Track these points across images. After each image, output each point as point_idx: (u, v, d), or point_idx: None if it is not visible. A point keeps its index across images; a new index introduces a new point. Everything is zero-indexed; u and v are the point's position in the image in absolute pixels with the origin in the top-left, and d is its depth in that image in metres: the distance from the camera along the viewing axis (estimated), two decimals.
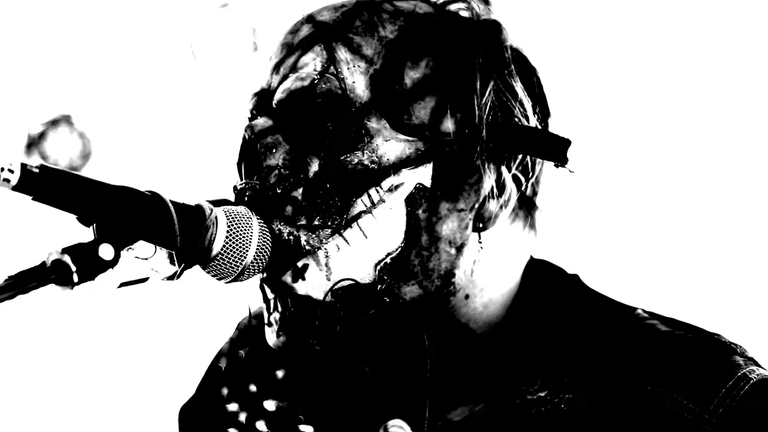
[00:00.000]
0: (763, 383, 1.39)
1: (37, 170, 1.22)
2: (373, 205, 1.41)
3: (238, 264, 1.38)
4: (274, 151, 1.44)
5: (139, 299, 3.78)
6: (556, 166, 1.47)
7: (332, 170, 1.41)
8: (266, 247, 1.40)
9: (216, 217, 1.37)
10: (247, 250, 1.38)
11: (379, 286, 1.42)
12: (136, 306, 3.87)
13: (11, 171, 1.19)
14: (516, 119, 1.45)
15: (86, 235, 1.27)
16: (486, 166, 1.43)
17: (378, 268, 1.41)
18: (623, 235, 3.36)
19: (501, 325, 1.50)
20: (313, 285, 1.42)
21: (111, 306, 3.87)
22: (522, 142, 1.45)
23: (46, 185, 1.23)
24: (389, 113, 1.42)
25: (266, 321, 1.46)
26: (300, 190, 1.41)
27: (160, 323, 3.95)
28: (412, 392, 1.50)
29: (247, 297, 1.51)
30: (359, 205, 1.41)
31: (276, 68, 1.48)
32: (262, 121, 1.46)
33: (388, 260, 1.41)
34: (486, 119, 1.43)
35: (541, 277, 1.53)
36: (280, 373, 1.58)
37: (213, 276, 1.39)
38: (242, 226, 1.38)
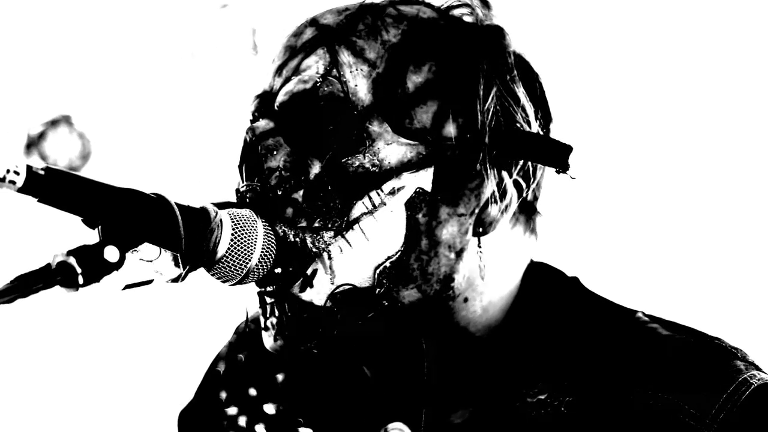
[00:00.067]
0: (764, 388, 1.39)
1: (42, 172, 1.21)
2: (374, 207, 1.41)
3: (242, 266, 1.38)
4: (275, 153, 1.44)
5: (139, 302, 3.77)
6: (558, 172, 1.47)
7: (333, 173, 1.41)
8: (271, 250, 1.40)
9: (221, 220, 1.37)
10: (251, 253, 1.38)
11: (378, 289, 1.42)
12: (136, 309, 3.87)
13: (17, 173, 1.19)
14: (518, 125, 1.45)
15: (91, 237, 1.27)
16: (487, 171, 1.43)
17: (377, 271, 1.42)
18: (624, 238, 3.36)
19: (500, 328, 1.50)
20: (318, 290, 1.42)
21: (111, 309, 3.87)
22: (524, 148, 1.45)
23: (52, 187, 1.22)
24: (391, 117, 1.43)
25: (263, 325, 1.46)
26: (300, 192, 1.42)
27: (160, 327, 3.95)
28: (410, 395, 1.50)
29: (246, 301, 1.51)
30: (360, 208, 1.41)
31: (278, 71, 1.48)
32: (263, 123, 1.46)
33: (387, 264, 1.42)
34: (488, 124, 1.43)
35: (540, 280, 1.53)
36: (279, 377, 1.58)
37: (217, 278, 1.39)
38: (247, 229, 1.38)
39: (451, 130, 1.43)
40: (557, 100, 1.54)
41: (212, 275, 1.39)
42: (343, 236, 1.41)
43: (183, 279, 1.34)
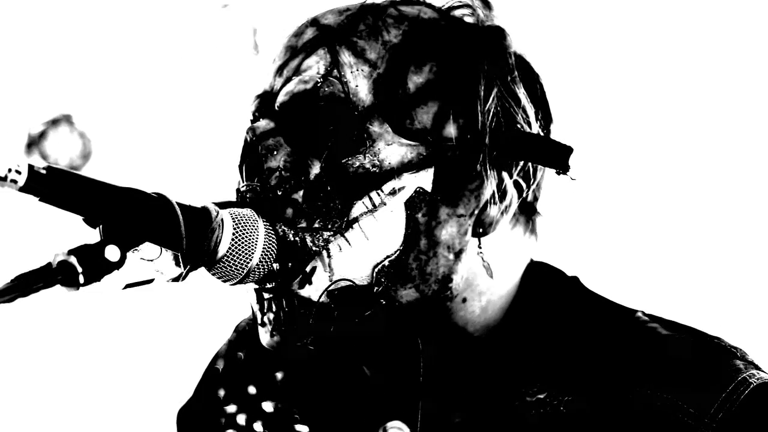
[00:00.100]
0: (763, 387, 1.39)
1: (44, 171, 1.21)
2: (374, 207, 1.41)
3: (243, 266, 1.38)
4: (275, 153, 1.44)
5: (138, 301, 3.77)
6: (558, 173, 1.47)
7: (333, 173, 1.41)
8: (272, 250, 1.40)
9: (222, 219, 1.37)
10: (252, 253, 1.38)
11: (376, 288, 1.42)
12: (135, 308, 3.87)
13: (18, 172, 1.19)
14: (518, 126, 1.45)
15: (92, 236, 1.27)
16: (488, 172, 1.43)
17: (376, 270, 1.42)
18: (624, 238, 3.36)
19: (499, 327, 1.50)
20: (317, 287, 1.42)
21: (110, 308, 3.87)
22: (524, 149, 1.45)
23: (53, 186, 1.22)
24: (392, 117, 1.43)
25: (260, 321, 1.46)
26: (300, 193, 1.42)
27: (159, 325, 3.94)
28: (406, 395, 1.50)
29: (249, 298, 1.51)
30: (360, 208, 1.41)
31: (279, 71, 1.48)
32: (264, 124, 1.46)
33: (386, 263, 1.42)
34: (489, 125, 1.43)
35: (540, 279, 1.53)
36: (279, 375, 1.58)
37: (218, 278, 1.39)
38: (248, 229, 1.38)
39: (451, 130, 1.43)
40: (558, 101, 1.54)
41: (213, 275, 1.39)
42: (342, 235, 1.41)
43: (184, 278, 1.34)
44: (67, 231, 1.44)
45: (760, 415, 1.38)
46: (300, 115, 1.44)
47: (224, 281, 1.40)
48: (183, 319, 3.89)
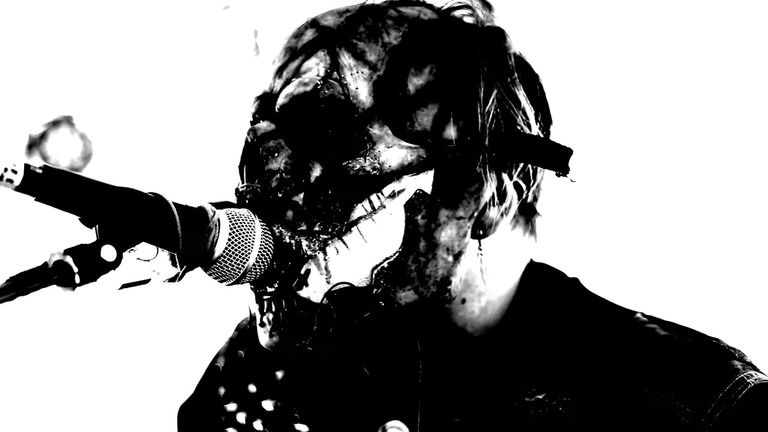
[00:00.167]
0: (760, 388, 1.39)
1: (40, 171, 1.21)
2: (374, 210, 1.41)
3: (240, 266, 1.38)
4: (276, 155, 1.44)
5: (140, 300, 3.78)
6: (558, 175, 1.47)
7: (334, 176, 1.41)
8: (268, 250, 1.40)
9: (219, 220, 1.36)
10: (249, 253, 1.38)
11: (375, 290, 1.42)
12: (137, 307, 3.87)
13: (14, 171, 1.19)
14: (518, 127, 1.45)
15: (88, 236, 1.27)
16: (487, 173, 1.43)
17: (375, 272, 1.41)
18: (624, 238, 3.36)
19: (499, 328, 1.50)
20: (314, 288, 1.42)
21: (111, 307, 3.87)
22: (524, 150, 1.45)
23: (49, 186, 1.22)
24: (392, 120, 1.42)
25: (258, 321, 1.46)
26: (301, 195, 1.41)
27: (160, 324, 3.95)
28: (406, 395, 1.50)
29: (248, 298, 1.51)
30: (359, 210, 1.41)
31: (279, 72, 1.48)
32: (264, 125, 1.46)
33: (385, 264, 1.41)
34: (488, 127, 1.43)
35: (540, 280, 1.53)
36: (279, 374, 1.58)
37: (215, 278, 1.39)
38: (245, 229, 1.38)
39: (451, 132, 1.43)
40: (558, 102, 1.54)
41: (209, 275, 1.39)
42: (340, 238, 1.41)
43: (180, 278, 1.34)
44: (64, 231, 1.44)
45: (757, 415, 1.38)
46: (300, 117, 1.44)
47: (221, 281, 1.40)
48: (185, 318, 3.89)
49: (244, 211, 1.40)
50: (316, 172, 1.42)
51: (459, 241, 1.44)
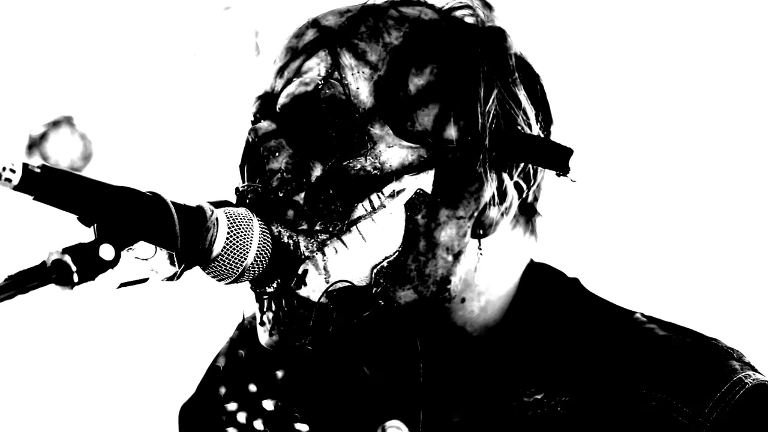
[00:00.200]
0: (758, 388, 1.39)
1: (38, 170, 1.21)
2: (374, 209, 1.41)
3: (238, 265, 1.38)
4: (277, 154, 1.44)
5: (141, 299, 3.78)
6: (558, 175, 1.47)
7: (335, 176, 1.41)
8: (266, 249, 1.40)
9: (217, 219, 1.36)
10: (247, 252, 1.38)
11: (375, 289, 1.42)
12: (138, 306, 3.87)
13: (13, 171, 1.19)
14: (519, 127, 1.45)
15: (87, 235, 1.27)
16: (488, 173, 1.43)
17: (374, 271, 1.41)
18: (624, 239, 3.36)
19: (498, 327, 1.50)
20: (313, 288, 1.42)
21: (112, 306, 3.87)
22: (524, 150, 1.45)
23: (48, 185, 1.22)
24: (393, 120, 1.43)
25: (259, 320, 1.46)
26: (302, 195, 1.42)
27: (161, 323, 3.95)
28: (407, 395, 1.50)
29: (245, 299, 1.51)
30: (360, 210, 1.41)
31: (280, 72, 1.48)
32: (265, 125, 1.46)
33: (385, 264, 1.42)
34: (489, 127, 1.43)
35: (539, 280, 1.54)
36: (279, 373, 1.58)
37: (213, 277, 1.39)
38: (243, 228, 1.38)
39: (452, 132, 1.43)
40: (558, 102, 1.54)
41: (208, 274, 1.39)
42: (339, 238, 1.41)
43: (178, 277, 1.34)
44: (62, 230, 1.44)
45: (755, 415, 1.38)
46: (301, 117, 1.44)
47: (219, 280, 1.40)
48: (186, 317, 3.89)
49: (242, 211, 1.40)
50: (317, 171, 1.42)
51: (459, 241, 1.44)
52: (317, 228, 1.41)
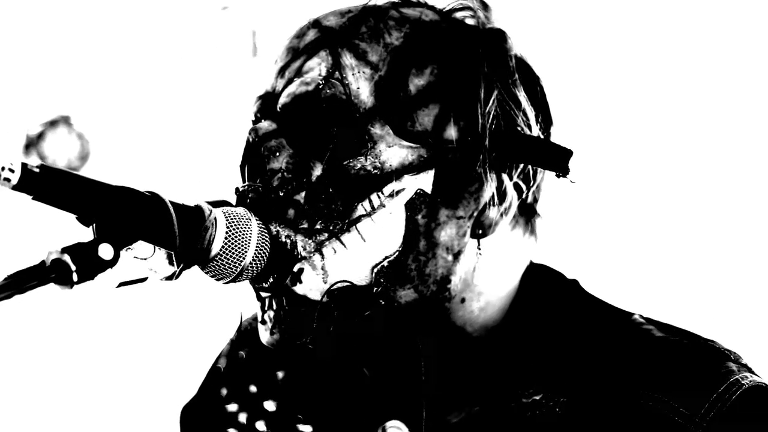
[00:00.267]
0: (755, 390, 1.40)
1: (37, 170, 1.21)
2: (373, 209, 1.41)
3: (236, 265, 1.38)
4: (277, 154, 1.44)
5: (141, 299, 3.78)
6: (558, 176, 1.47)
7: (335, 175, 1.41)
8: (265, 249, 1.40)
9: (215, 218, 1.36)
10: (245, 251, 1.38)
11: (375, 288, 1.42)
12: (138, 306, 3.87)
13: (12, 170, 1.19)
14: (519, 128, 1.45)
15: (86, 234, 1.27)
16: (487, 174, 1.44)
17: (375, 271, 1.42)
18: (623, 240, 3.37)
19: (498, 328, 1.50)
20: (310, 287, 1.42)
21: (112, 306, 3.87)
22: (524, 151, 1.45)
23: (47, 185, 1.22)
24: (393, 120, 1.43)
25: (260, 319, 1.46)
26: (302, 194, 1.42)
27: (163, 323, 3.95)
28: (409, 395, 1.50)
29: (244, 301, 1.51)
30: (360, 210, 1.41)
31: (281, 72, 1.48)
32: (266, 125, 1.46)
33: (385, 263, 1.42)
34: (489, 128, 1.43)
35: (539, 281, 1.54)
36: (280, 374, 1.58)
37: (211, 276, 1.39)
38: (241, 227, 1.38)
39: (452, 133, 1.43)
40: (558, 104, 1.54)
41: (206, 273, 1.39)
42: (338, 238, 1.41)
43: (177, 277, 1.34)
44: (61, 229, 1.44)
45: (751, 416, 1.38)
46: (302, 116, 1.44)
47: (217, 279, 1.40)
48: (187, 318, 3.89)
49: (240, 210, 1.40)
50: (317, 171, 1.42)
51: (458, 241, 1.44)
52: (318, 227, 1.41)
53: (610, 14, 3.38)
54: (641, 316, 1.52)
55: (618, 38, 3.36)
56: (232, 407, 1.57)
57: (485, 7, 1.52)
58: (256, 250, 1.39)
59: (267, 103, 1.49)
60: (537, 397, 1.44)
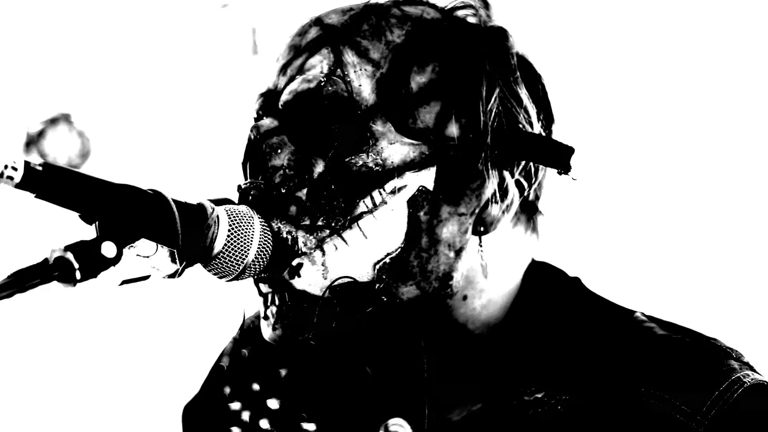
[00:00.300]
0: (757, 387, 1.40)
1: (40, 168, 1.21)
2: (375, 206, 1.41)
3: (239, 263, 1.38)
4: (279, 151, 1.44)
5: (144, 297, 3.78)
6: (559, 173, 1.47)
7: (336, 172, 1.41)
8: (267, 246, 1.40)
9: (218, 216, 1.37)
10: (248, 249, 1.38)
11: (377, 285, 1.42)
12: (140, 305, 3.87)
13: (15, 168, 1.19)
14: (520, 125, 1.46)
15: (89, 232, 1.27)
16: (489, 171, 1.44)
17: (377, 267, 1.42)
18: (625, 237, 3.37)
19: (500, 326, 1.50)
20: (310, 282, 1.42)
21: (115, 304, 3.87)
22: (525, 148, 1.45)
23: (49, 183, 1.22)
24: (395, 117, 1.43)
25: (263, 315, 1.46)
26: (304, 191, 1.42)
27: (165, 322, 3.95)
28: (411, 392, 1.50)
29: (247, 299, 1.51)
30: (361, 206, 1.41)
31: (283, 69, 1.48)
32: (267, 122, 1.46)
33: (387, 260, 1.42)
34: (491, 125, 1.44)
35: (541, 279, 1.54)
36: (283, 372, 1.58)
37: (214, 274, 1.39)
38: (244, 225, 1.38)
39: (453, 130, 1.43)
40: (559, 101, 1.54)
41: (209, 271, 1.39)
42: (339, 235, 1.41)
43: (180, 275, 1.34)
44: (64, 228, 1.44)
45: (752, 414, 1.38)
46: (303, 113, 1.45)
47: (220, 277, 1.40)
48: (190, 316, 3.89)
49: (242, 208, 1.40)
50: (319, 168, 1.42)
51: (460, 237, 1.45)
52: (320, 223, 1.41)
53: (611, 12, 3.38)
54: (643, 314, 1.53)
55: (619, 36, 3.36)
56: (235, 405, 1.57)
57: (486, 5, 1.52)
58: (259, 248, 1.39)
59: (269, 100, 1.49)
60: (539, 395, 1.45)
